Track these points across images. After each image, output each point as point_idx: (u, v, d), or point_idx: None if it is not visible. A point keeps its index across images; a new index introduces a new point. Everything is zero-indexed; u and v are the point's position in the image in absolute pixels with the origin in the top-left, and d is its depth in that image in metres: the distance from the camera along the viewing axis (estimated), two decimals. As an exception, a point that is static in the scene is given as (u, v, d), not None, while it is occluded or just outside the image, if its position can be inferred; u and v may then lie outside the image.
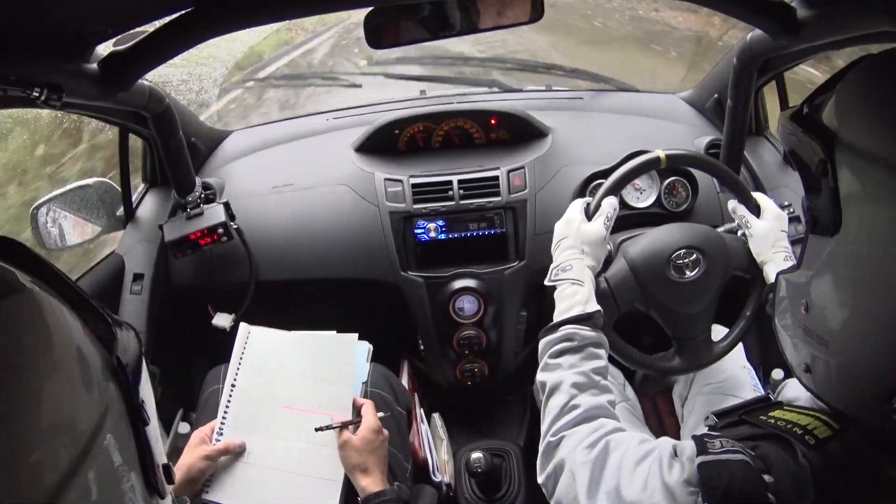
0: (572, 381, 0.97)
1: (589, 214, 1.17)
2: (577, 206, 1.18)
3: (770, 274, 1.18)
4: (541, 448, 0.96)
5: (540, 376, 1.03)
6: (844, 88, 0.66)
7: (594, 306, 1.06)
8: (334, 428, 1.17)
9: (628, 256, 1.21)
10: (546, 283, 1.12)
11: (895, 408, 0.60)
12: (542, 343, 1.06)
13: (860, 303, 0.63)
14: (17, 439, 0.37)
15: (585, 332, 1.02)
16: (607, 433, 0.89)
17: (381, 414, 1.22)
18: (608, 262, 1.25)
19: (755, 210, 1.25)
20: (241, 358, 1.29)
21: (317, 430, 1.17)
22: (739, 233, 1.27)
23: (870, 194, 0.61)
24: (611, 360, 1.17)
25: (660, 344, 1.52)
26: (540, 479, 0.94)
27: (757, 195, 1.27)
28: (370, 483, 1.11)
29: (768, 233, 1.21)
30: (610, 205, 1.16)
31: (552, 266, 1.13)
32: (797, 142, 0.69)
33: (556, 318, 1.06)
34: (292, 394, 1.25)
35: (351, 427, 1.17)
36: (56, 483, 0.38)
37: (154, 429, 0.53)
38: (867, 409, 0.65)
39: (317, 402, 1.23)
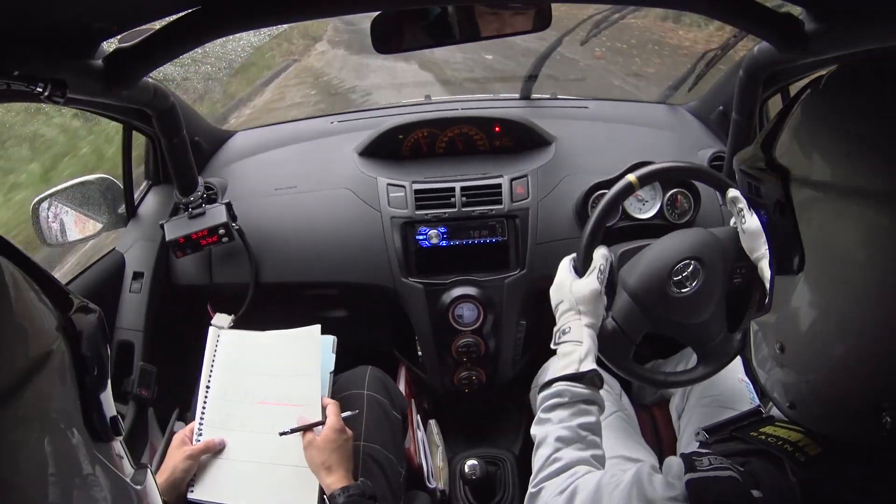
0: (557, 434, 1.00)
1: (578, 271, 1.18)
2: (565, 266, 1.20)
3: (765, 269, 1.17)
4: (525, 498, 1.00)
5: (533, 429, 1.06)
6: (791, 122, 0.66)
7: (589, 365, 1.07)
8: (298, 430, 1.20)
9: (628, 287, 1.21)
10: (552, 346, 1.14)
11: (884, 421, 0.60)
12: (539, 397, 1.09)
13: (834, 330, 0.64)
14: None
15: (576, 389, 1.04)
16: (578, 477, 0.92)
17: (346, 413, 1.24)
18: (612, 281, 1.25)
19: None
20: (213, 360, 1.35)
21: (281, 434, 1.20)
22: (732, 221, 1.26)
23: (830, 224, 0.61)
24: (606, 369, 1.18)
25: (659, 351, 1.53)
26: None
27: None
28: (335, 480, 1.13)
29: (760, 228, 1.20)
30: (601, 256, 1.17)
31: (555, 329, 1.14)
32: (753, 184, 0.69)
33: (551, 375, 1.09)
34: (264, 389, 1.29)
35: (317, 427, 1.20)
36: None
37: (106, 393, 0.56)
38: (856, 429, 0.65)
39: (287, 395, 1.28)
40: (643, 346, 1.67)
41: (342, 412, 1.23)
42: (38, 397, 0.47)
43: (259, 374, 1.31)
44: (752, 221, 1.21)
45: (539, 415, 1.06)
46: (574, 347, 1.08)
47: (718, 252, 1.22)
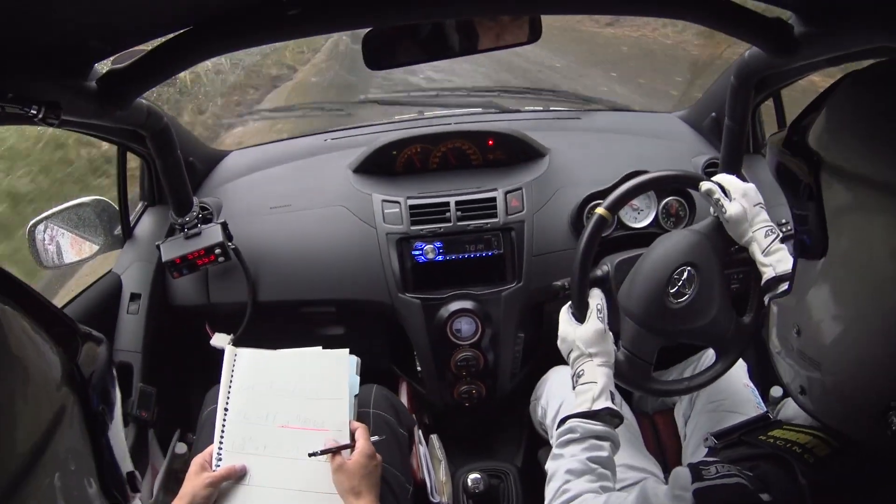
0: (567, 467, 1.03)
1: (577, 317, 1.20)
2: (565, 317, 1.22)
3: (756, 254, 1.18)
4: None
5: (546, 465, 1.09)
6: (828, 109, 0.66)
7: (602, 404, 1.09)
8: (328, 452, 1.16)
9: (629, 312, 1.22)
10: (573, 391, 1.16)
11: (891, 422, 0.60)
12: (555, 433, 1.11)
13: (850, 322, 0.64)
14: None
15: (588, 425, 1.06)
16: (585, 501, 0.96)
17: (375, 438, 1.22)
18: (606, 281, 1.28)
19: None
20: (230, 381, 1.29)
21: (310, 455, 1.17)
22: (711, 211, 1.26)
23: (855, 215, 0.61)
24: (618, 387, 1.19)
25: (666, 356, 1.53)
26: None
27: (717, 177, 1.26)
28: None
29: (742, 212, 1.20)
30: (597, 296, 1.20)
31: (571, 374, 1.17)
32: (784, 166, 0.69)
33: (564, 415, 1.12)
34: (287, 412, 1.24)
35: (346, 451, 1.17)
36: (6, 485, 0.39)
37: (119, 436, 0.55)
38: (864, 426, 0.65)
39: (312, 420, 1.23)
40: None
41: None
42: (55, 467, 0.44)
43: (281, 396, 1.26)
44: (732, 208, 1.21)
45: (553, 451, 1.09)
46: (589, 387, 1.11)
47: (707, 248, 1.23)
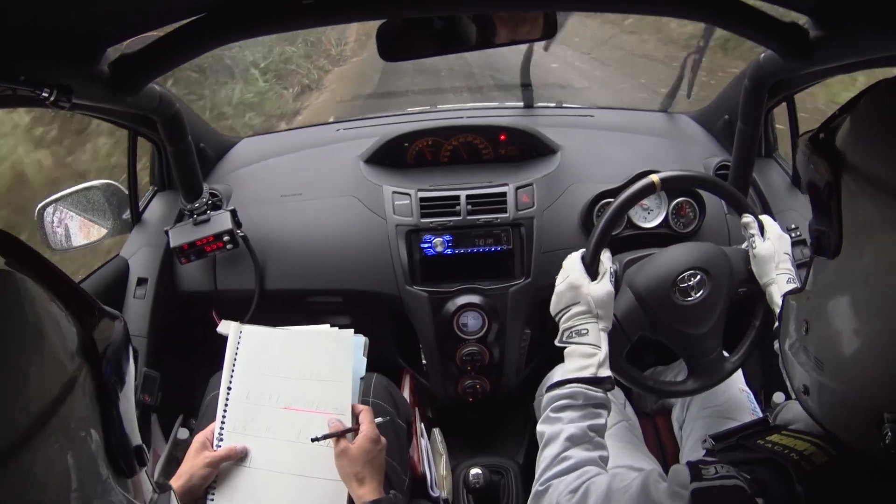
0: (568, 433, 1.00)
1: (591, 272, 1.16)
2: (577, 267, 1.16)
3: (774, 295, 1.18)
4: (531, 496, 0.99)
5: (540, 427, 1.06)
6: (857, 112, 0.65)
7: (606, 372, 1.07)
8: (331, 437, 1.14)
9: (633, 286, 1.21)
10: (556, 343, 1.13)
11: (884, 435, 0.59)
12: (546, 396, 1.08)
13: (853, 325, 0.63)
14: None
15: (591, 392, 1.04)
16: (589, 478, 0.92)
17: (379, 419, 1.21)
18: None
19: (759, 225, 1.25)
20: (234, 359, 1.27)
21: (313, 440, 1.15)
22: (744, 245, 1.27)
23: (871, 220, 0.61)
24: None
25: (662, 361, 1.53)
26: None
27: (762, 217, 1.27)
28: (366, 492, 1.09)
29: (772, 254, 1.21)
30: (608, 259, 1.17)
31: (562, 327, 1.13)
32: (808, 163, 0.68)
33: (565, 375, 1.08)
34: (291, 394, 1.22)
35: (349, 434, 1.16)
36: (10, 444, 0.40)
37: (129, 411, 0.55)
38: (859, 434, 0.64)
39: (316, 402, 1.21)
40: (646, 353, 1.68)
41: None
42: (76, 418, 0.46)
43: (285, 377, 1.24)
44: (763, 246, 1.22)
45: (548, 413, 1.05)
46: (593, 350, 1.08)
47: (727, 269, 1.23)
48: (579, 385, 1.04)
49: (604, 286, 1.12)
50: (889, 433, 0.59)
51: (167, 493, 0.61)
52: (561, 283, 1.16)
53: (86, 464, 0.47)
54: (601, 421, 1.03)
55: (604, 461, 1.00)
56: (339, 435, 1.14)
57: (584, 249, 1.19)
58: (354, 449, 1.12)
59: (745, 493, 0.70)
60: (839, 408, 0.67)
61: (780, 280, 1.18)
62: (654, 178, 1.22)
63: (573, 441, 0.99)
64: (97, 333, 0.52)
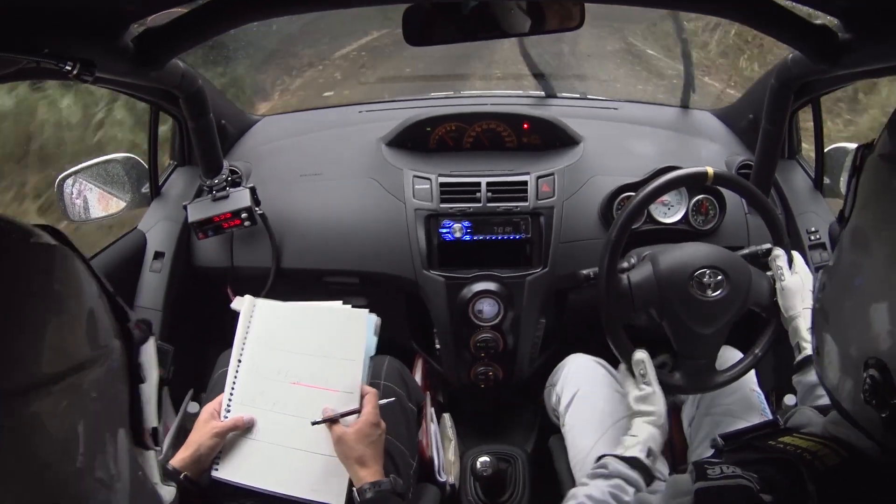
0: (587, 493, 1.05)
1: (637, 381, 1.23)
2: (629, 376, 1.25)
3: (801, 329, 1.20)
4: None
5: (569, 491, 1.10)
6: None
7: (634, 453, 1.12)
8: (330, 420, 1.14)
9: (655, 263, 1.23)
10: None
11: (864, 380, 0.60)
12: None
13: (850, 287, 0.65)
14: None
15: (619, 465, 1.09)
16: None
17: (385, 401, 1.21)
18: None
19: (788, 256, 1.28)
20: (246, 331, 1.27)
21: (313, 423, 1.14)
22: (769, 273, 1.28)
23: (879, 190, 0.63)
24: None
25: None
26: None
27: (793, 252, 1.29)
28: (367, 474, 1.10)
29: (800, 288, 1.23)
30: (636, 363, 1.22)
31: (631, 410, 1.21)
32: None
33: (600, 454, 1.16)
34: (300, 369, 1.22)
35: (351, 416, 1.16)
36: (31, 380, 0.44)
37: (150, 394, 0.60)
38: (851, 393, 0.64)
39: (325, 379, 1.20)
40: (660, 355, 1.68)
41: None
42: (90, 387, 0.49)
43: (295, 352, 1.23)
44: (791, 280, 1.24)
45: (580, 481, 1.12)
46: (632, 441, 1.14)
47: (747, 281, 1.24)
48: (611, 458, 1.11)
49: (642, 389, 1.21)
50: (868, 379, 0.59)
51: (171, 487, 0.65)
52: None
53: (101, 430, 0.50)
54: (627, 497, 1.06)
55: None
56: (339, 417, 1.14)
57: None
58: (353, 434, 1.11)
59: (751, 492, 0.70)
60: (838, 367, 0.67)
61: (806, 315, 1.20)
62: (710, 170, 1.24)
63: (592, 500, 1.04)
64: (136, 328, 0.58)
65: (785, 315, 1.23)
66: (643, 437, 1.14)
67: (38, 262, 0.49)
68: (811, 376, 1.16)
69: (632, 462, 1.10)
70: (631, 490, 1.07)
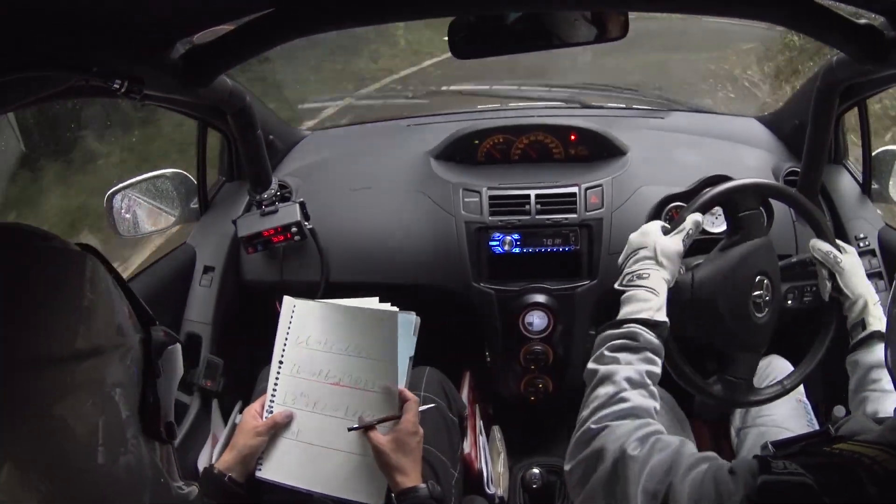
0: (626, 374, 0.96)
1: (667, 230, 1.13)
2: (655, 223, 1.15)
3: (869, 304, 1.17)
4: (576, 434, 0.94)
5: (591, 365, 1.02)
6: None
7: (663, 317, 1.04)
8: (369, 425, 1.15)
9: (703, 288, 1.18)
10: (616, 286, 1.10)
11: None
12: (601, 336, 1.05)
13: None
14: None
15: (649, 336, 1.00)
16: (656, 431, 0.89)
17: (424, 407, 1.21)
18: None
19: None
20: (287, 332, 1.27)
21: (350, 430, 1.16)
22: (826, 274, 1.23)
23: None
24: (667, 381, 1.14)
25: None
26: (567, 466, 0.93)
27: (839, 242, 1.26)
28: (406, 480, 1.10)
29: (858, 265, 1.21)
30: (693, 221, 1.12)
31: (625, 272, 1.11)
32: None
33: (622, 316, 1.05)
34: (339, 370, 1.22)
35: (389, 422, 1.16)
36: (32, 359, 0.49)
37: (167, 390, 0.63)
38: None
39: (363, 380, 1.20)
40: (708, 362, 1.66)
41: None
42: (102, 370, 0.54)
43: (333, 353, 1.23)
44: (847, 260, 1.21)
45: (603, 352, 1.01)
46: (651, 295, 1.05)
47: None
48: (637, 326, 1.01)
49: (674, 241, 1.10)
50: None
51: (192, 488, 0.66)
52: (633, 233, 1.15)
53: (109, 415, 0.54)
54: (657, 369, 1.00)
55: (657, 413, 0.96)
56: (378, 422, 1.15)
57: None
58: (390, 440, 1.12)
59: (813, 491, 0.69)
60: None
61: (871, 292, 1.18)
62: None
63: (632, 384, 0.95)
64: (156, 333, 0.62)
65: (850, 295, 1.19)
66: (664, 296, 1.06)
67: (72, 263, 0.56)
68: (871, 356, 1.13)
69: (661, 329, 1.03)
70: (659, 361, 1.01)
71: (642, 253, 1.10)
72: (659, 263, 1.08)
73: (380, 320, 1.23)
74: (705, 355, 1.44)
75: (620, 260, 1.15)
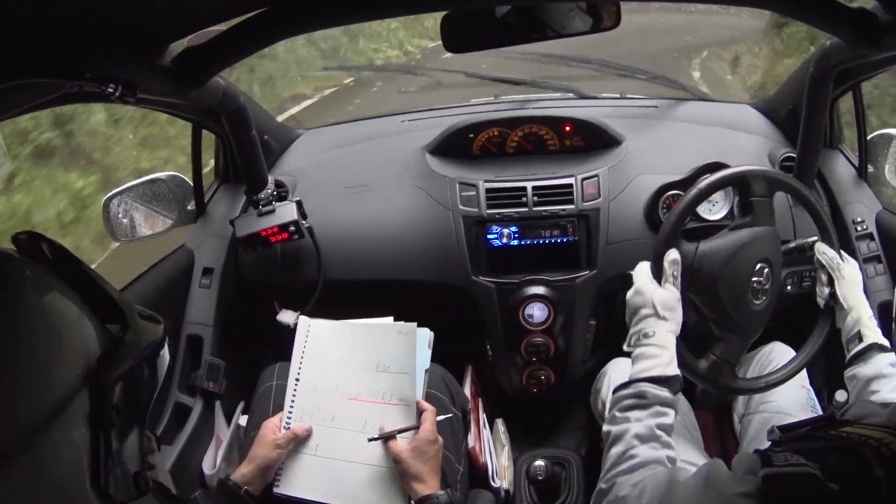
0: (634, 431, 1.00)
1: (658, 277, 1.16)
2: (645, 273, 1.17)
3: (864, 317, 1.18)
4: (594, 494, 0.99)
5: (606, 427, 1.05)
6: None
7: (674, 371, 1.07)
8: (389, 436, 1.17)
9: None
10: (625, 348, 1.13)
11: None
12: (612, 397, 1.08)
13: None
14: None
15: (658, 391, 1.04)
16: (652, 473, 0.92)
17: (441, 417, 1.23)
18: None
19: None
20: (303, 351, 1.30)
21: (370, 440, 1.18)
22: (826, 279, 1.25)
23: None
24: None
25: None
26: None
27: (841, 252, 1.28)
28: (424, 488, 1.12)
29: (858, 277, 1.23)
30: (671, 262, 1.15)
31: (631, 332, 1.13)
32: None
33: (632, 376, 1.08)
34: (356, 385, 1.25)
35: (409, 432, 1.18)
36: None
37: (131, 438, 0.54)
38: None
39: (381, 393, 1.23)
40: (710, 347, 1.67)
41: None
42: (42, 459, 0.45)
43: (350, 369, 1.26)
44: (849, 270, 1.23)
45: (615, 413, 1.05)
46: (660, 351, 1.07)
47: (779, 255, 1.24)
48: (647, 384, 1.04)
49: (669, 289, 1.13)
50: None
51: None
52: (630, 290, 1.17)
53: (68, 484, 0.47)
54: (668, 420, 1.02)
55: (671, 461, 0.99)
56: (397, 433, 1.17)
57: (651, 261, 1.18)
58: (411, 451, 1.14)
59: (818, 479, 0.69)
60: None
61: (866, 305, 1.20)
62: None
63: (641, 440, 0.99)
64: (115, 357, 0.53)
65: (845, 305, 1.20)
66: (673, 349, 1.08)
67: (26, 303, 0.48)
68: (869, 368, 1.14)
69: (672, 383, 1.05)
70: (671, 412, 1.03)
71: (643, 312, 1.13)
72: (661, 318, 1.11)
73: (399, 334, 1.27)
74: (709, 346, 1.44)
75: (626, 321, 1.17)
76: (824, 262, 1.25)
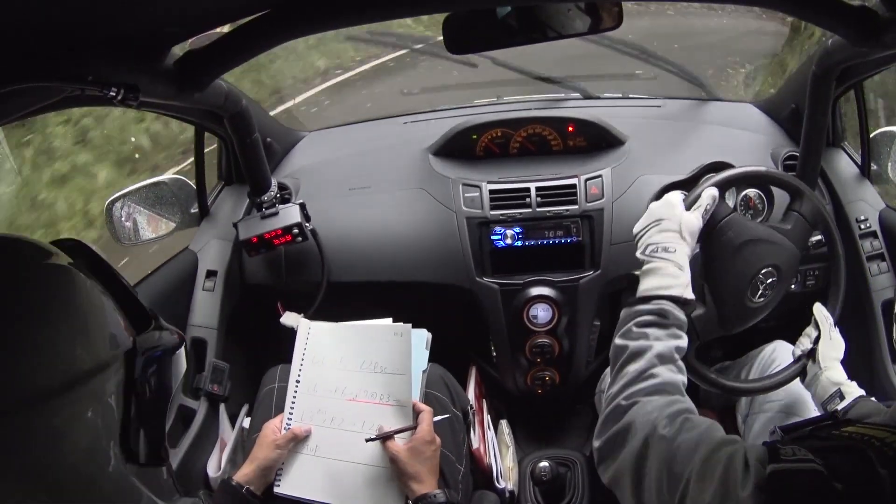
0: (657, 351, 0.95)
1: (687, 204, 1.11)
2: (678, 195, 1.12)
3: (841, 376, 1.15)
4: (605, 410, 0.94)
5: (619, 341, 1.00)
6: None
7: (692, 295, 1.03)
8: (386, 436, 1.18)
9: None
10: (638, 255, 1.07)
11: None
12: (628, 311, 1.03)
13: None
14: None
15: (679, 313, 1.00)
16: (686, 410, 0.88)
17: (438, 417, 1.24)
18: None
19: None
20: (303, 354, 1.32)
21: (367, 440, 1.19)
22: (815, 335, 1.22)
23: None
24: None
25: (730, 356, 1.51)
26: (596, 443, 0.93)
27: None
28: (422, 488, 1.13)
29: (842, 348, 1.19)
30: (709, 195, 1.10)
31: (646, 241, 1.07)
32: None
33: (648, 291, 1.03)
34: (355, 386, 1.26)
35: (406, 432, 1.19)
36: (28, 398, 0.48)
37: (158, 412, 0.63)
38: None
39: (379, 394, 1.25)
40: (714, 350, 1.66)
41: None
42: (102, 385, 0.53)
43: (349, 370, 1.28)
44: (837, 338, 1.20)
45: (631, 328, 1.00)
46: (679, 271, 1.03)
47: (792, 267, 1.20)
48: (669, 303, 0.99)
49: (696, 216, 1.08)
50: None
51: (194, 500, 0.67)
52: (656, 202, 1.12)
53: (93, 440, 0.54)
54: (684, 344, 0.99)
55: (685, 387, 0.95)
56: (395, 433, 1.19)
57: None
58: (408, 451, 1.16)
59: (823, 477, 0.69)
60: None
61: (839, 369, 1.17)
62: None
63: (661, 359, 0.94)
64: (147, 340, 0.61)
65: (822, 365, 1.17)
66: (688, 272, 1.03)
67: (64, 280, 0.55)
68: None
69: (690, 306, 1.02)
70: (686, 337, 1.00)
71: (666, 224, 1.07)
72: (683, 238, 1.06)
73: (395, 335, 1.28)
74: (711, 344, 1.44)
75: (637, 228, 1.11)
76: (818, 319, 1.21)
